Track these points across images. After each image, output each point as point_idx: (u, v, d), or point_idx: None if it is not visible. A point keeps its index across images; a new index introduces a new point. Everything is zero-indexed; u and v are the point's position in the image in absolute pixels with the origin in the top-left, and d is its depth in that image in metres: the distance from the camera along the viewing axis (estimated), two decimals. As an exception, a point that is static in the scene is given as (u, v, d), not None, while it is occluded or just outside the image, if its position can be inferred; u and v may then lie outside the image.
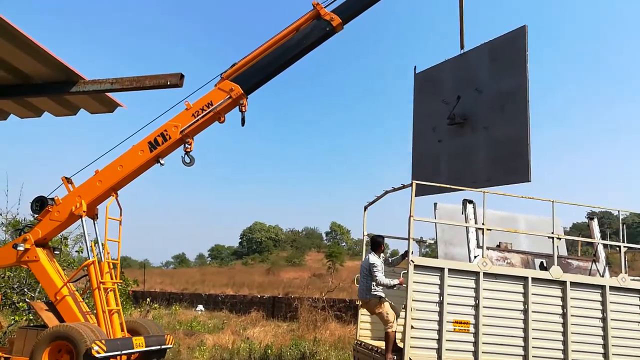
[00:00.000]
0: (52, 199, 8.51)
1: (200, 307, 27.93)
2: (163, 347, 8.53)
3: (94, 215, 8.77)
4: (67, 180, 8.67)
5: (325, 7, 8.41)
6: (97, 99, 9.20)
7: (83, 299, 8.87)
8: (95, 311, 8.23)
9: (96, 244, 8.40)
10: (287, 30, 8.48)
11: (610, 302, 7.98)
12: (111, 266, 8.53)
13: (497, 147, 9.10)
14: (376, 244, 8.17)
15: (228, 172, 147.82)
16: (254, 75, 8.41)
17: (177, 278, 51.68)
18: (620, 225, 8.76)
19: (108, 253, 8.51)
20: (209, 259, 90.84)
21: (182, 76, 8.01)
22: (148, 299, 22.46)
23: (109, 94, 9.02)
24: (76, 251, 14.59)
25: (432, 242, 10.13)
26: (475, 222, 8.48)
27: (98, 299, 8.09)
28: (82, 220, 8.36)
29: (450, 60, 10.45)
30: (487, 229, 8.03)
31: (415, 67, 11.29)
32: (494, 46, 9.55)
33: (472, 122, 9.68)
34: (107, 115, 9.73)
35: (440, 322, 7.29)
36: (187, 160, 8.42)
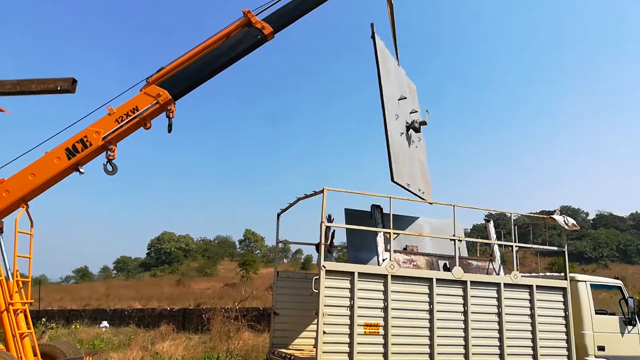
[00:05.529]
0: None
1: (105, 323, 26.48)
2: None
3: None
4: None
5: (256, 15, 8.34)
6: None
7: None
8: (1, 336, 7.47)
9: (2, 261, 7.58)
10: (217, 37, 8.30)
11: (505, 298, 8.65)
12: (21, 285, 7.76)
13: (419, 167, 10.48)
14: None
15: (134, 179, 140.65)
16: (183, 80, 8.12)
17: (78, 293, 48.54)
18: (513, 226, 9.53)
19: (17, 270, 7.70)
20: (115, 271, 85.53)
21: (74, 81, 7.50)
22: (44, 319, 20.67)
23: None
24: None
25: (343, 246, 10.31)
26: (383, 227, 8.78)
27: (7, 322, 7.34)
28: None
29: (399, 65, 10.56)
30: (394, 233, 8.38)
31: (372, 24, 9.12)
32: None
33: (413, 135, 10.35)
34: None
35: (351, 326, 7.47)
36: (110, 168, 7.93)
